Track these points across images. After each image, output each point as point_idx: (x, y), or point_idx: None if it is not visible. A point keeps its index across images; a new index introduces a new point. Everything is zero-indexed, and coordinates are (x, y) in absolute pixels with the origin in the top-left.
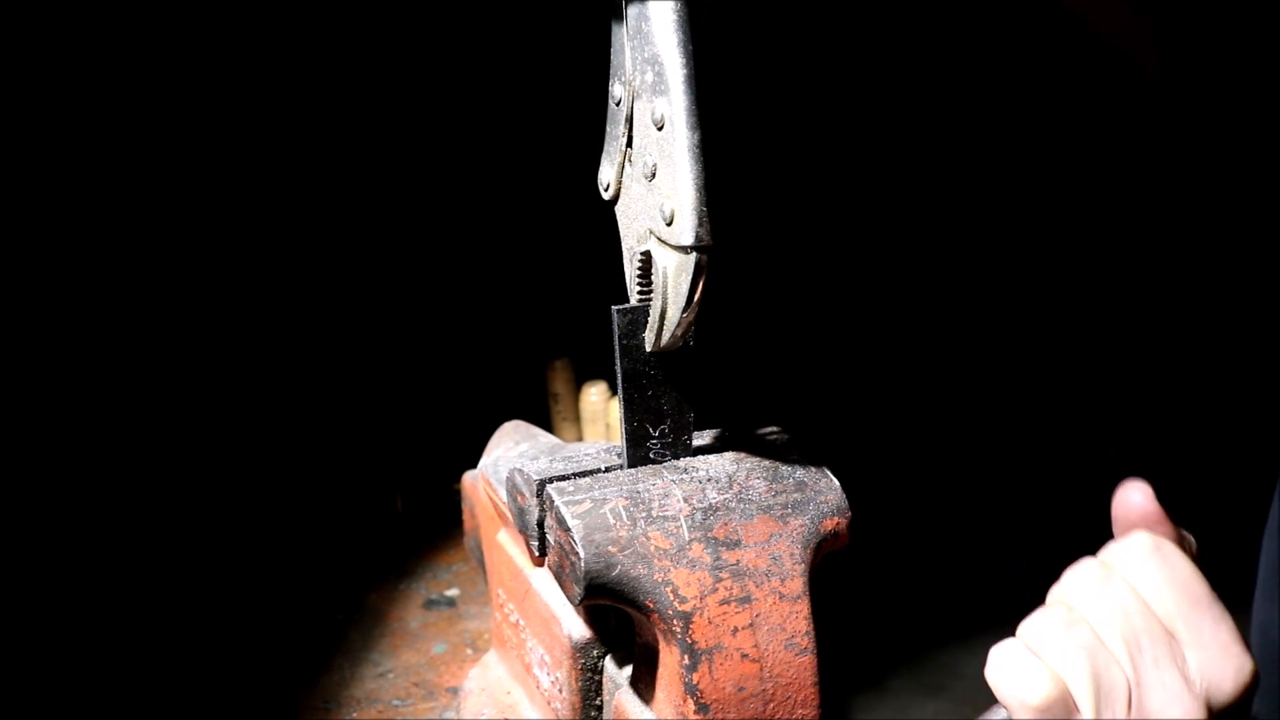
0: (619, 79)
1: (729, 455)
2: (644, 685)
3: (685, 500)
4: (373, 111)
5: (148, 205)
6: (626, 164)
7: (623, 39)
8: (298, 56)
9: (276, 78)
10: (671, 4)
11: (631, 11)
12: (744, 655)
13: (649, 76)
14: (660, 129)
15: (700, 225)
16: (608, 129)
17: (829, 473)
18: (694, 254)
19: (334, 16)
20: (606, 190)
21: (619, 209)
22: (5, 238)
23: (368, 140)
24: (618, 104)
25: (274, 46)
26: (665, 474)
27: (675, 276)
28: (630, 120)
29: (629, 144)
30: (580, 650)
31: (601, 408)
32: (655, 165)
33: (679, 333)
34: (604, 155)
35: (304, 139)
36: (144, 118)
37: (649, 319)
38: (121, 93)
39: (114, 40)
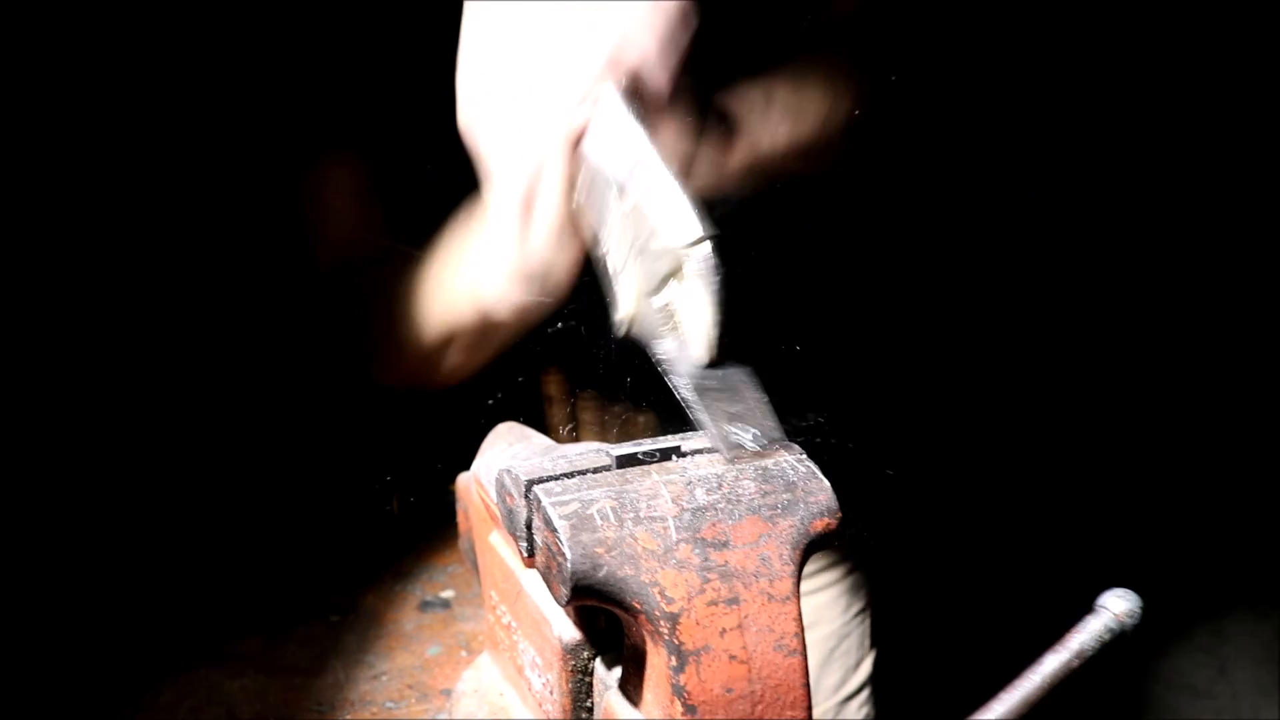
0: (604, 239)
1: (718, 456)
2: (632, 687)
3: (673, 501)
4: (371, 112)
5: (143, 203)
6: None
7: (605, 206)
8: (294, 57)
9: (272, 77)
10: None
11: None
12: (732, 657)
13: (622, 175)
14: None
15: (697, 220)
16: (606, 285)
17: (819, 473)
18: (701, 246)
19: (327, 26)
20: (623, 324)
21: (634, 327)
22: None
23: (365, 140)
24: (605, 255)
25: (271, 45)
26: (654, 475)
27: (691, 288)
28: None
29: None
30: (570, 652)
31: (599, 410)
32: (645, 239)
33: (718, 332)
34: (612, 309)
35: (302, 140)
36: (140, 114)
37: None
38: (120, 89)
39: (111, 38)
